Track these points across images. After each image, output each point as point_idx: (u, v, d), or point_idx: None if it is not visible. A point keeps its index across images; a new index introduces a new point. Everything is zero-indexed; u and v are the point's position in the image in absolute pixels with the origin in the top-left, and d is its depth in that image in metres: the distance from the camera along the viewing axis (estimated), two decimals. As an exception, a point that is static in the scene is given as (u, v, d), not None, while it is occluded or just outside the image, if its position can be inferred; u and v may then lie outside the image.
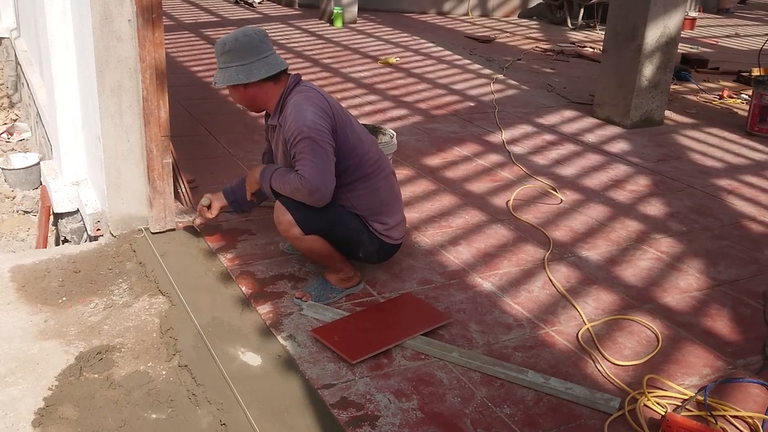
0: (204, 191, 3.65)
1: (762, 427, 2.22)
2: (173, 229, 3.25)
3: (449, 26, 10.02)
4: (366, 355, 2.43)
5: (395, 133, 3.75)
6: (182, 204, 3.48)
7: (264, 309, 2.71)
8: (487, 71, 7.13)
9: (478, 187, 4.08)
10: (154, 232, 3.21)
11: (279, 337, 2.54)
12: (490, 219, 3.66)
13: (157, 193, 3.16)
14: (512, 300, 2.90)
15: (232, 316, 2.65)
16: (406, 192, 3.89)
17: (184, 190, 3.50)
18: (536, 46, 8.68)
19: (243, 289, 2.84)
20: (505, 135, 5.05)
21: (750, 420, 2.26)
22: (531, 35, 9.62)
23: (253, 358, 2.42)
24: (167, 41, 7.34)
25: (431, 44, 8.40)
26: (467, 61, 7.56)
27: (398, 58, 7.40)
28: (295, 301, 2.75)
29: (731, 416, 2.27)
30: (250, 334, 2.55)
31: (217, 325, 2.58)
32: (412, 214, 3.62)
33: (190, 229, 3.27)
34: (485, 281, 3.03)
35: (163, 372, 2.35)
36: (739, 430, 2.23)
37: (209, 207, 3.04)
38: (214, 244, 3.17)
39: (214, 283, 2.88)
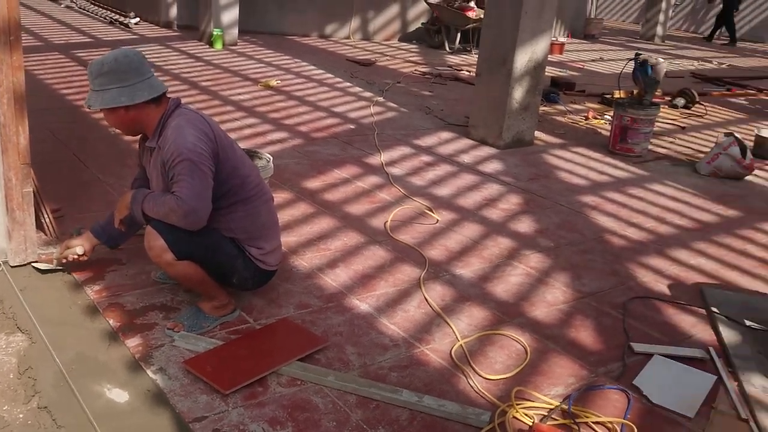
0: (71, 220, 3.50)
1: (620, 430, 2.35)
2: (36, 262, 3.08)
3: (331, 49, 10.11)
4: (240, 385, 2.39)
5: (271, 157, 3.73)
6: (46, 235, 3.31)
7: (133, 342, 2.61)
8: (367, 94, 7.23)
9: (357, 209, 4.12)
10: (13, 265, 3.04)
11: (148, 371, 2.46)
12: (369, 240, 3.70)
13: (16, 224, 3.00)
14: (389, 320, 2.94)
15: (98, 352, 2.54)
16: (285, 215, 3.87)
17: (47, 220, 3.34)
18: (415, 69, 8.90)
19: (111, 322, 2.72)
20: (384, 157, 5.13)
21: (609, 425, 2.38)
22: (410, 59, 9.85)
23: (119, 395, 2.33)
24: (33, 63, 7.05)
25: (313, 67, 8.44)
26: (348, 84, 7.65)
27: (279, 81, 7.38)
28: (167, 332, 2.67)
29: (593, 422, 2.39)
30: (117, 370, 2.45)
31: (82, 362, 2.47)
32: (290, 238, 3.61)
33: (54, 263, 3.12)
34: (362, 303, 3.06)
35: (20, 415, 2.21)
36: (600, 435, 2.35)
37: (82, 254, 2.92)
38: (80, 276, 3.03)
39: (79, 317, 2.75)
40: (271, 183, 4.20)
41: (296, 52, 9.34)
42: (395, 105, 6.87)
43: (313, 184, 4.47)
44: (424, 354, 2.72)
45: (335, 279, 3.24)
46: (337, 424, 2.29)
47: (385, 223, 3.92)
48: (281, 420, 2.28)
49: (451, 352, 2.74)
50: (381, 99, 7.04)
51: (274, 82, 7.26)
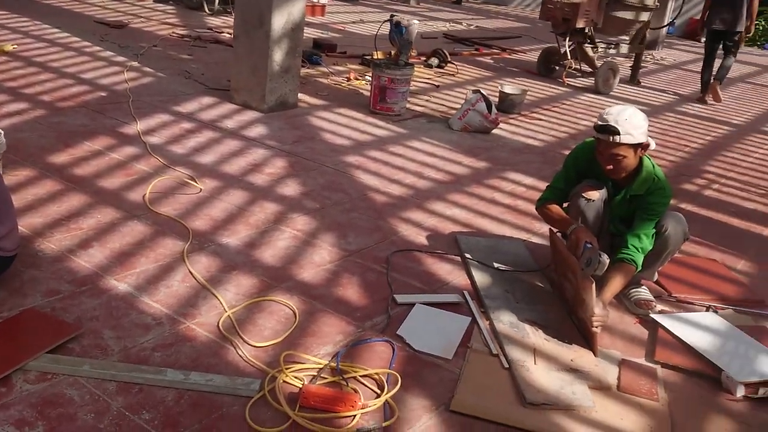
0: None
1: (386, 380, 2.44)
2: None
3: (77, 10, 9.28)
4: (-23, 388, 2.14)
5: (2, 132, 3.33)
6: None
7: None
8: (120, 59, 6.75)
9: (111, 182, 3.85)
10: None
11: None
12: (126, 216, 3.47)
13: None
14: (150, 298, 2.79)
15: None
16: (27, 195, 3.51)
17: None
18: (173, 32, 8.47)
19: None
20: (140, 125, 4.83)
21: (376, 376, 2.47)
22: (167, 20, 9.35)
23: None
24: None
25: (56, 30, 7.69)
26: (98, 48, 7.08)
27: (15, 46, 6.64)
28: None
29: (361, 376, 2.46)
30: None
31: None
32: (34, 219, 3.28)
33: None
34: (121, 283, 2.87)
35: None
36: (368, 387, 2.43)
37: None
38: None
39: None
40: (8, 160, 3.79)
41: (35, 14, 8.46)
42: (152, 70, 6.49)
43: (60, 158, 4.09)
44: (190, 329, 2.62)
45: (89, 260, 3.01)
46: (96, 415, 2.14)
47: (143, 196, 3.71)
48: (30, 420, 2.08)
49: (218, 323, 2.67)
50: (136, 64, 6.61)
51: (9, 47, 6.51)
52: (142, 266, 3.03)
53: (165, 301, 2.79)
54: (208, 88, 6.09)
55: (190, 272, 3.01)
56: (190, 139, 4.76)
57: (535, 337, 2.82)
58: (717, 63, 8.67)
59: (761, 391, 2.60)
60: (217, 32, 8.79)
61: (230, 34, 8.60)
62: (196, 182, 3.98)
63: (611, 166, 2.95)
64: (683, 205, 4.68)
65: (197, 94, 5.88)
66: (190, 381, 2.30)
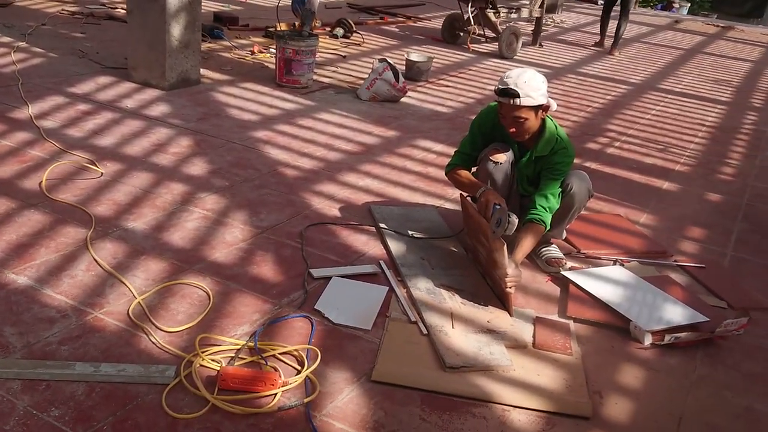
0: None
1: (306, 356, 2.42)
2: None
3: (-46, -11, 8.66)
4: None
5: None
6: None
7: None
8: (6, 39, 6.35)
9: (3, 171, 3.63)
10: None
11: None
12: (21, 205, 3.29)
13: None
14: (53, 290, 2.66)
15: None
16: None
17: None
18: (63, 9, 8.02)
19: None
20: (32, 109, 4.57)
21: (296, 352, 2.44)
22: (56, -3, 8.85)
23: None
24: None
25: (-69, 10, 7.17)
26: (-20, 29, 6.65)
27: None
28: None
29: (280, 354, 2.43)
30: None
31: None
32: None
33: None
34: (20, 276, 2.72)
35: None
36: (288, 364, 2.40)
37: None
38: None
39: None
40: None
41: None
42: (42, 50, 6.14)
43: (-55, 148, 3.84)
44: (99, 319, 2.52)
45: (-17, 254, 2.84)
46: (1, 416, 2.02)
47: (39, 184, 3.52)
48: (-73, 429, 1.95)
49: (128, 311, 2.57)
50: (24, 44, 6.23)
51: None
52: (43, 257, 2.88)
53: (69, 292, 2.66)
54: (105, 66, 5.82)
55: (95, 260, 2.89)
56: (88, 121, 4.54)
57: (452, 301, 2.85)
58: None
59: (667, 338, 2.72)
60: (111, 8, 8.39)
61: (125, 9, 8.24)
62: (96, 166, 3.81)
63: (514, 129, 2.99)
64: (588, 164, 4.82)
65: (93, 73, 5.61)
66: (101, 373, 2.21)
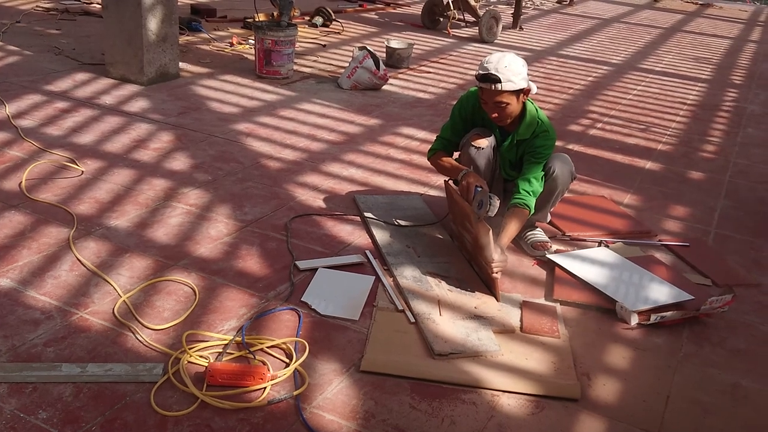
0: None
1: (294, 349, 2.42)
2: None
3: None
4: None
5: None
6: None
7: None
8: (-20, 38, 6.28)
9: (-18, 172, 3.60)
10: None
11: None
12: (1, 206, 3.26)
13: None
14: (37, 292, 2.63)
15: None
16: None
17: None
18: (37, 6, 7.92)
19: None
20: (10, 109, 4.52)
21: (284, 345, 2.44)
22: (30, -6, 8.73)
23: None
24: None
25: None
26: (-47, 28, 6.56)
27: None
28: None
29: (268, 347, 2.43)
30: None
31: None
32: None
33: None
34: (3, 278, 2.69)
35: None
36: (277, 358, 2.39)
37: None
38: None
39: None
40: None
41: None
42: (17, 48, 6.07)
43: None
44: (84, 320, 2.50)
45: (-36, 258, 2.81)
46: (-12, 421, 2.01)
47: (19, 184, 3.48)
48: None
49: (113, 310, 2.56)
50: (-2, 42, 6.17)
51: None
52: (25, 258, 2.85)
53: (53, 293, 2.64)
54: (82, 63, 5.76)
55: (79, 260, 2.87)
56: (67, 119, 4.49)
57: (439, 288, 2.86)
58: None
59: (653, 318, 2.74)
60: (86, 3, 8.29)
61: (100, 4, 8.15)
62: (76, 164, 3.78)
63: (496, 114, 2.98)
64: (570, 146, 4.83)
65: (70, 70, 5.55)
66: (88, 373, 2.20)
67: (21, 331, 2.41)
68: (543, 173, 3.08)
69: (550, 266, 3.13)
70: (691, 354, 2.62)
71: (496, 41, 8.43)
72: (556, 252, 3.25)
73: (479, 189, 2.90)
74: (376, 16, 9.55)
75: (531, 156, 3.07)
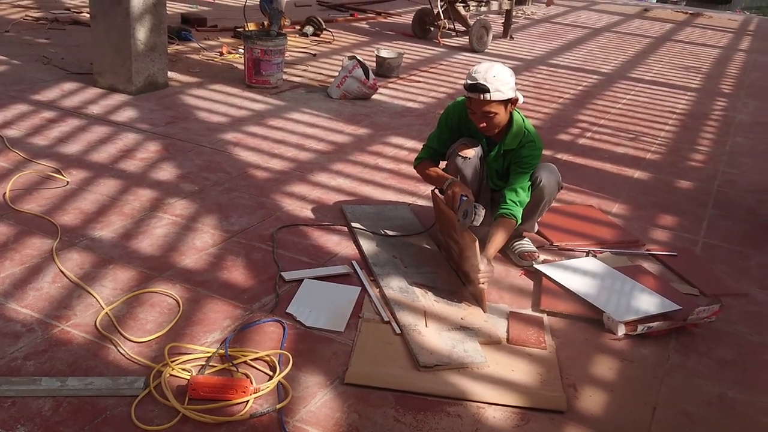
0: None
1: (278, 361, 2.39)
2: None
3: None
4: None
5: None
6: None
7: None
8: (-33, 47, 6.24)
9: (-34, 183, 3.56)
10: None
11: None
12: (-15, 218, 3.23)
13: None
14: (18, 304, 2.60)
15: None
16: None
17: None
18: (26, 15, 7.90)
19: None
20: (-5, 119, 4.50)
21: (268, 358, 2.42)
22: (19, 3, 8.70)
23: None
24: None
25: None
26: (-59, 38, 6.52)
27: None
28: None
29: (251, 360, 2.40)
30: None
31: None
32: None
33: None
34: (-16, 291, 2.67)
35: None
36: (260, 370, 2.37)
37: None
38: None
39: None
40: None
41: None
42: (5, 57, 6.04)
43: None
44: (65, 332, 2.47)
45: (-55, 270, 2.78)
46: (-36, 437, 1.98)
47: (3, 195, 3.45)
48: None
49: (95, 323, 2.53)
50: (-14, 52, 6.14)
51: None
52: (7, 270, 2.82)
53: (35, 305, 2.61)
54: (70, 72, 5.73)
55: (61, 271, 2.84)
56: (53, 129, 4.47)
57: (425, 299, 2.84)
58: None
59: (640, 328, 2.72)
60: (76, 12, 8.26)
61: (89, 14, 8.12)
62: (62, 175, 3.75)
63: (484, 123, 2.98)
64: (559, 155, 4.83)
65: (58, 80, 5.52)
66: (68, 387, 2.17)
67: (1, 345, 2.37)
68: (530, 183, 3.07)
69: (538, 276, 3.12)
70: (678, 364, 2.61)
71: (486, 50, 8.44)
72: (544, 262, 3.23)
73: (464, 198, 2.89)
74: (367, 26, 9.55)
75: (518, 166, 3.06)
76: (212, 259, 3.06)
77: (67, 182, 3.68)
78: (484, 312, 2.79)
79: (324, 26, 8.35)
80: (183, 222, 3.37)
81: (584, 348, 2.66)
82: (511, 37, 9.53)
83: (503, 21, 9.72)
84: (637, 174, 4.65)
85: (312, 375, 2.36)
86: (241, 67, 6.21)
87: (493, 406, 2.30)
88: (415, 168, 3.37)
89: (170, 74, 5.70)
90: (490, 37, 8.53)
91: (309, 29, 8.22)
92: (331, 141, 4.75)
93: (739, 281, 3.28)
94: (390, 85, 6.41)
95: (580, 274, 3.12)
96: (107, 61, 5.31)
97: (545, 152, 3.39)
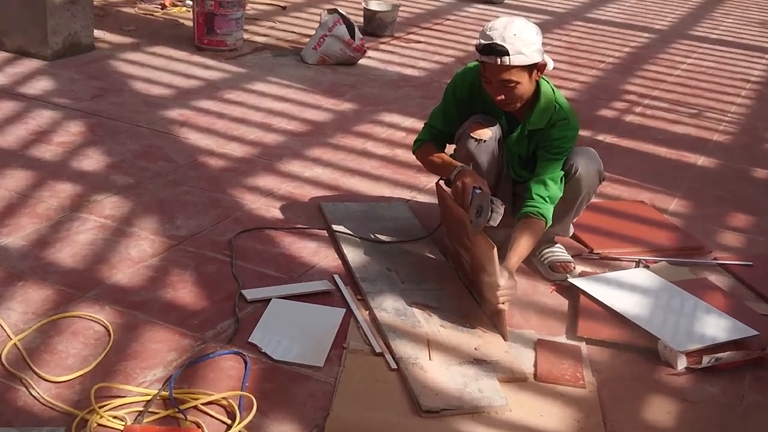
0: None
1: (239, 406, 2.39)
2: None
3: None
4: None
5: None
6: None
7: None
8: None
9: None
10: None
11: None
12: None
13: None
14: None
15: None
16: None
17: None
18: None
19: None
20: None
21: (225, 402, 2.42)
22: None
23: None
24: None
25: None
26: None
27: None
28: None
29: (203, 404, 2.40)
30: None
31: None
32: None
33: None
34: None
35: None
36: (215, 417, 2.37)
37: None
38: None
39: None
40: None
41: None
42: None
43: None
44: (-39, 370, 2.47)
45: None
46: None
47: None
48: None
49: (1, 357, 2.52)
50: None
51: None
52: None
53: None
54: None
55: (-45, 291, 2.84)
56: (-56, 104, 4.48)
57: (429, 324, 2.85)
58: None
59: (705, 360, 2.73)
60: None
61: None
62: (-45, 164, 3.76)
63: (502, 96, 2.98)
64: (600, 137, 4.86)
65: (-49, 41, 5.53)
66: (-35, 442, 2.17)
67: None
68: (562, 173, 3.08)
69: (573, 294, 3.13)
70: (755, 405, 2.62)
71: (505, 1, 8.47)
72: (581, 275, 3.25)
73: (478, 191, 2.90)
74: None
75: (547, 151, 3.07)
76: (152, 274, 3.07)
77: (-37, 174, 3.69)
78: (505, 340, 2.81)
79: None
80: (114, 225, 3.38)
81: (634, 386, 2.68)
82: (538, -16, 9.57)
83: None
84: (701, 160, 4.68)
85: (282, 423, 2.37)
86: (189, 23, 6.23)
87: (517, 462, 2.31)
88: (414, 153, 3.38)
89: (97, 33, 5.73)
90: (511, -17, 8.57)
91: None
92: (306, 119, 4.77)
93: (833, 298, 3.30)
94: (382, 46, 6.43)
95: (628, 290, 3.14)
96: (14, 16, 5.33)
97: (582, 133, 3.40)
